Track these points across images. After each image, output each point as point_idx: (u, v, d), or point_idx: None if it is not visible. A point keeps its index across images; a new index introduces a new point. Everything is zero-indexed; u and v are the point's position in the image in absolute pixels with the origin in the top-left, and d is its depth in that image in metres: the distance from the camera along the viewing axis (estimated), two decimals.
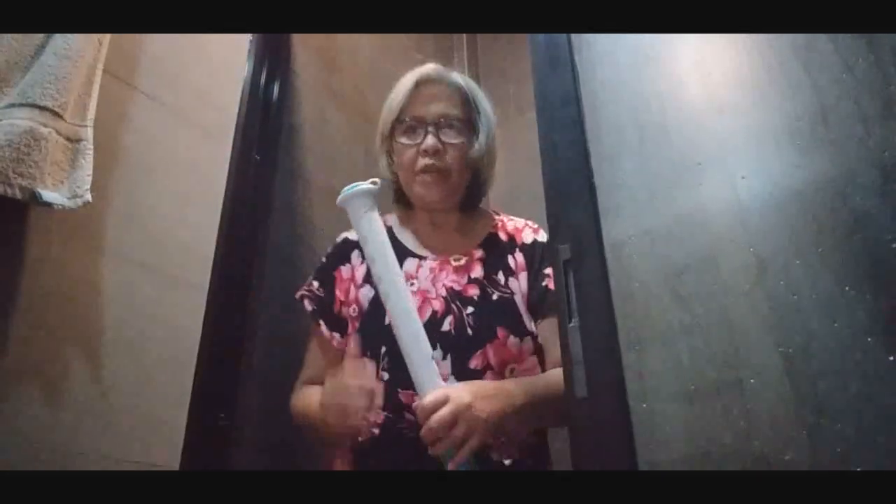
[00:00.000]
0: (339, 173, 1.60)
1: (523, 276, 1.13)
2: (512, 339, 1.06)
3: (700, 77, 0.78)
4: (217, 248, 1.21)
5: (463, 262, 1.14)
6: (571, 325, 0.75)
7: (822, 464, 0.57)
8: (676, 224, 0.73)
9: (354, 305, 1.14)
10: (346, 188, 1.12)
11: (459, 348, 1.04)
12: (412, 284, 1.12)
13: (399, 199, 1.23)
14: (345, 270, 1.19)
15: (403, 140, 1.15)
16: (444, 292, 1.10)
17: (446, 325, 1.07)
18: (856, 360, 0.57)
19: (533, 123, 0.92)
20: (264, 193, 1.36)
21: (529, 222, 1.23)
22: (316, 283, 1.20)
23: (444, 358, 1.04)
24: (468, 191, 1.19)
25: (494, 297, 1.10)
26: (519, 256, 1.16)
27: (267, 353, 1.29)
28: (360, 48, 1.82)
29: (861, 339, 0.57)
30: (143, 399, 1.03)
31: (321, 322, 1.16)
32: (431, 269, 1.14)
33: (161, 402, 1.06)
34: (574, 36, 0.91)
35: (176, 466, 1.04)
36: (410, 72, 1.19)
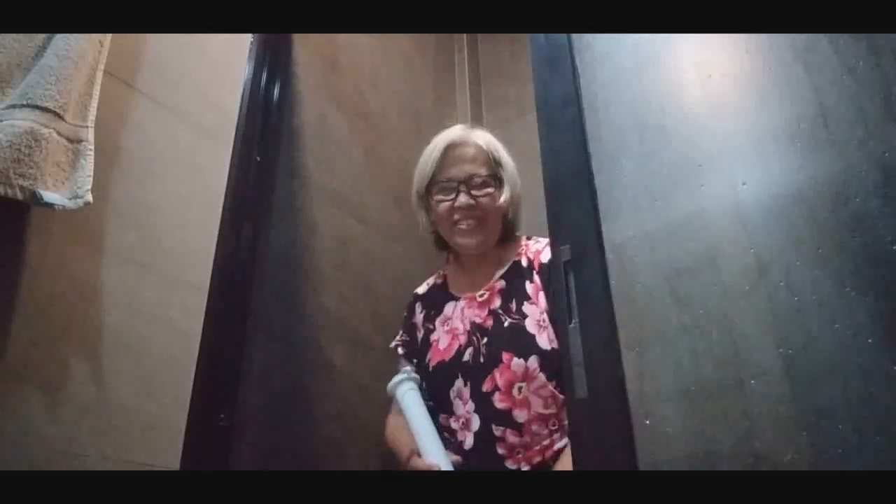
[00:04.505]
0: (339, 173, 1.60)
1: (542, 295, 1.19)
2: (516, 361, 1.14)
3: (700, 78, 0.78)
4: (217, 248, 1.21)
5: (486, 295, 1.25)
6: (571, 325, 0.75)
7: (822, 464, 0.57)
8: (677, 225, 0.73)
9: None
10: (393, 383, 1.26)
11: (475, 375, 1.17)
12: (446, 324, 1.28)
13: (442, 245, 1.37)
14: (415, 318, 1.37)
15: (439, 197, 1.28)
16: (468, 326, 1.24)
17: (466, 356, 1.20)
18: (856, 361, 0.57)
19: (533, 124, 0.92)
20: (264, 194, 1.36)
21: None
22: (402, 333, 1.38)
23: (465, 385, 1.18)
24: (502, 231, 1.31)
25: (506, 324, 1.19)
26: (537, 280, 1.22)
27: (267, 353, 1.29)
28: (360, 49, 1.82)
29: (861, 340, 0.57)
30: (144, 399, 1.03)
31: (412, 361, 1.33)
32: (462, 308, 1.28)
33: (161, 402, 1.06)
34: (574, 36, 0.91)
35: (176, 467, 1.04)
36: (438, 136, 1.32)
